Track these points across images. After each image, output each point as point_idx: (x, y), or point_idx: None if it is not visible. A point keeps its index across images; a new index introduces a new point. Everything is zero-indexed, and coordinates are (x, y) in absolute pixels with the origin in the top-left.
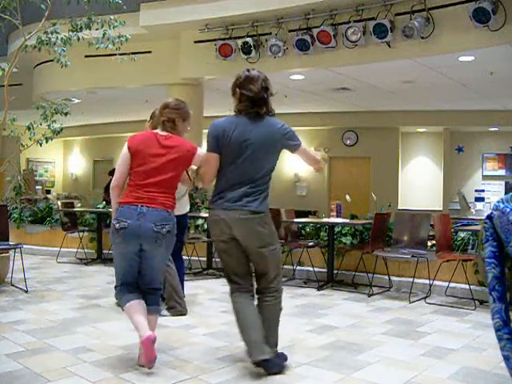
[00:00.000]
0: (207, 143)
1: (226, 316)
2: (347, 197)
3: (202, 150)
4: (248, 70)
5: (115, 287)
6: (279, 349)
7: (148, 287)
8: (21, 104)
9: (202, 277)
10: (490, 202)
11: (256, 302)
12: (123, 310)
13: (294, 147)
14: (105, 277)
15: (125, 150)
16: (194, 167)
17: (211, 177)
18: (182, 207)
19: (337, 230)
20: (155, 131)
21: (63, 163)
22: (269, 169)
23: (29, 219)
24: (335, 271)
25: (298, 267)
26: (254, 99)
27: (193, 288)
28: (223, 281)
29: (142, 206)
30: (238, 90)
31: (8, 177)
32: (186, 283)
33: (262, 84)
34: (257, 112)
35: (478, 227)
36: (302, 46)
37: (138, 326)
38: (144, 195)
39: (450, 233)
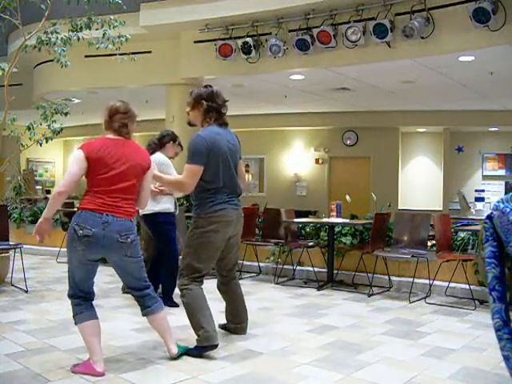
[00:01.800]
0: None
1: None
2: (347, 197)
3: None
4: (211, 86)
5: (70, 297)
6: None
7: (137, 289)
8: (21, 104)
9: None
10: (490, 202)
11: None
12: (76, 324)
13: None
14: (104, 277)
15: (80, 156)
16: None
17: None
18: (169, 203)
19: (337, 229)
20: (109, 137)
21: (63, 163)
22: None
23: (29, 219)
24: (335, 271)
25: (298, 267)
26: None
27: None
28: None
29: (108, 214)
30: (204, 102)
31: (8, 177)
32: None
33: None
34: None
35: (478, 227)
36: (302, 45)
37: (91, 349)
38: (110, 202)
39: (450, 233)
